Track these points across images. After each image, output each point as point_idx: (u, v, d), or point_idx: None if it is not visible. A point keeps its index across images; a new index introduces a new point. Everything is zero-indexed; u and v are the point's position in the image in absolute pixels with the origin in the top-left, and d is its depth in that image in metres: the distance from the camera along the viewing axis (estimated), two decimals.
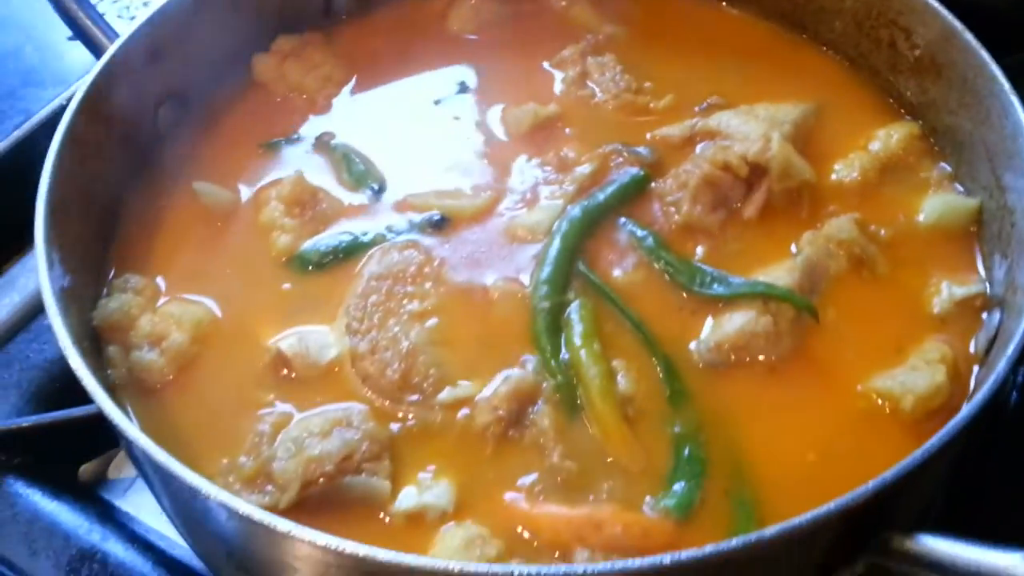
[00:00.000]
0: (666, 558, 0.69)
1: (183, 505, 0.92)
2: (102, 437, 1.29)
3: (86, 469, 1.32)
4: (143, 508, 1.28)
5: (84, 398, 1.28)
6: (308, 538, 0.75)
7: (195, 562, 1.20)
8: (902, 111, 1.26)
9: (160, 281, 1.11)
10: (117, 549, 1.16)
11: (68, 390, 1.31)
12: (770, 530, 0.72)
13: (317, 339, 1.05)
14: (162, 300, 1.09)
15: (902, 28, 1.24)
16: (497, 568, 0.72)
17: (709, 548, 0.70)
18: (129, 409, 1.02)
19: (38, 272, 0.99)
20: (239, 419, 1.00)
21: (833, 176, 1.19)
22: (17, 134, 1.45)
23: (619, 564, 0.72)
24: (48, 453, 1.25)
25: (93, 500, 1.26)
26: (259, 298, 1.10)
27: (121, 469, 1.36)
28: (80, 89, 1.10)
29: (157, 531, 1.24)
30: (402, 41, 1.37)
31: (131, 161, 1.18)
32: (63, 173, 1.04)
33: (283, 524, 0.79)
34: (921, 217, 1.15)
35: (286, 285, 1.12)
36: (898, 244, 1.12)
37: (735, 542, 0.70)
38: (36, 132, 1.43)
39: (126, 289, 1.08)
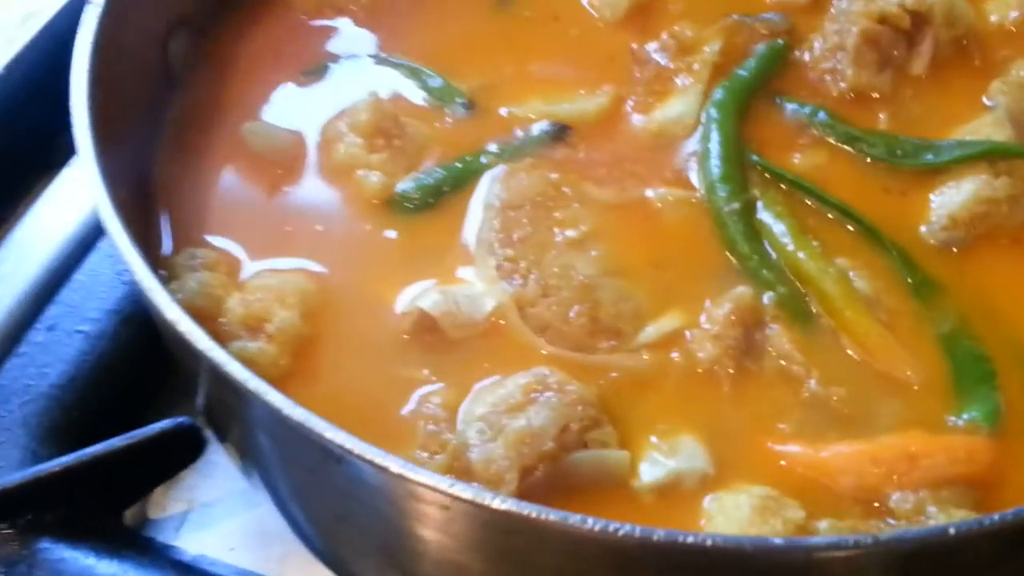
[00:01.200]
0: None
1: (351, 505, 0.68)
2: (149, 471, 1.04)
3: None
4: (208, 545, 1.03)
5: (112, 427, 1.03)
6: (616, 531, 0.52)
7: None
8: None
9: (233, 251, 0.86)
10: None
11: (88, 421, 1.05)
12: None
13: (463, 290, 0.82)
14: (245, 274, 0.84)
15: None
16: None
17: None
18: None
19: (103, 217, 0.72)
20: (393, 406, 0.76)
21: (992, 19, 1.03)
22: None
23: None
24: (87, 501, 0.98)
25: (156, 550, 1.00)
26: (364, 254, 0.86)
27: (163, 506, 1.10)
28: (87, 24, 0.83)
29: (245, 569, 1.00)
30: None
31: (156, 109, 0.92)
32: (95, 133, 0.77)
33: (554, 514, 0.57)
34: None
35: (390, 233, 0.87)
36: None
37: None
38: None
39: (195, 267, 0.81)
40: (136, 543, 0.99)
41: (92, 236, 1.09)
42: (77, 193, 1.21)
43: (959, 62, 0.98)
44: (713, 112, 0.92)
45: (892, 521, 0.69)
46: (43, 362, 1.02)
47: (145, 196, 0.88)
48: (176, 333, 0.67)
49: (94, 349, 1.03)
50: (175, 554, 1.00)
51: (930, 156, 0.88)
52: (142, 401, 1.04)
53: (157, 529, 1.04)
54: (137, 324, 1.03)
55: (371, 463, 0.59)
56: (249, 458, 0.83)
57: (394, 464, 0.58)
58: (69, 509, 0.94)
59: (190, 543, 1.02)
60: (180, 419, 0.95)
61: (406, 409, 0.76)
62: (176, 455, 0.99)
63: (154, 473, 1.02)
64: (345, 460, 0.61)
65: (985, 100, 0.94)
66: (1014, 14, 1.02)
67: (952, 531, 0.56)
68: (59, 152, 1.25)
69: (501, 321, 0.80)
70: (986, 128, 0.90)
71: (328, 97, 0.97)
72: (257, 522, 0.98)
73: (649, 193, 0.88)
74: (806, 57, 0.98)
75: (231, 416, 0.78)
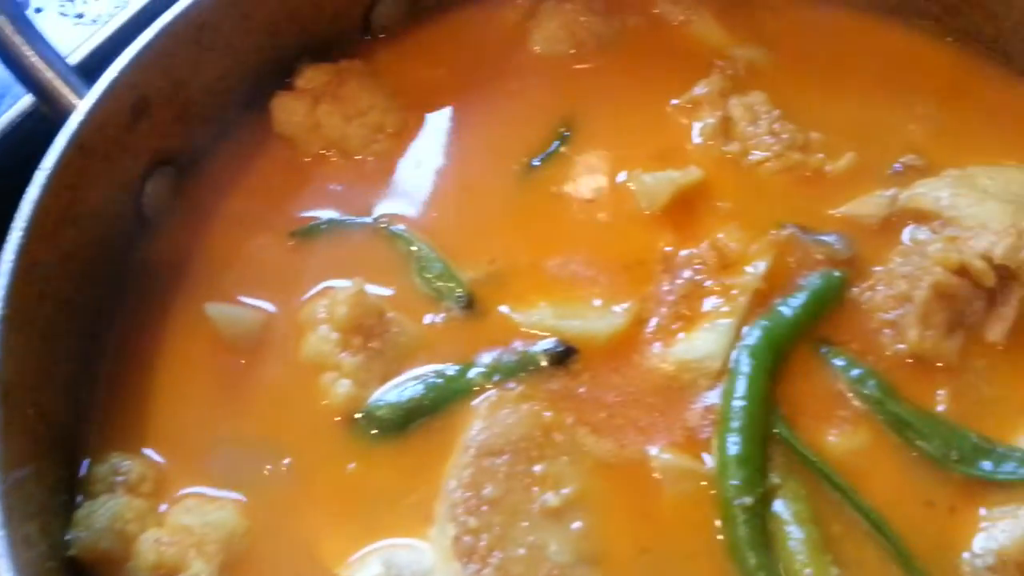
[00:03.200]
0: None
1: None
2: None
3: None
4: None
5: None
6: None
7: None
8: None
9: (160, 461, 0.75)
10: None
11: None
12: None
13: (411, 561, 0.70)
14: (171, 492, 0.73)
15: None
16: None
17: None
18: None
19: None
20: None
21: None
22: None
23: None
24: None
25: None
26: (314, 487, 0.74)
27: None
28: (38, 177, 0.72)
29: None
30: (470, 68, 1.00)
31: (110, 274, 0.81)
32: (14, 320, 0.67)
33: None
34: None
35: (350, 465, 0.76)
36: None
37: None
38: None
39: (115, 484, 0.70)
40: None
41: None
42: None
43: None
44: (744, 362, 0.79)
45: None
46: None
47: (84, 379, 0.78)
48: None
49: None
50: None
51: (988, 465, 0.74)
52: None
53: None
54: None
55: None
56: None
57: None
58: None
59: None
60: None
61: None
62: None
63: None
64: None
65: None
66: None
67: None
68: None
69: None
70: None
71: (312, 267, 0.86)
72: None
73: (652, 451, 0.76)
74: (865, 298, 0.84)
75: None
